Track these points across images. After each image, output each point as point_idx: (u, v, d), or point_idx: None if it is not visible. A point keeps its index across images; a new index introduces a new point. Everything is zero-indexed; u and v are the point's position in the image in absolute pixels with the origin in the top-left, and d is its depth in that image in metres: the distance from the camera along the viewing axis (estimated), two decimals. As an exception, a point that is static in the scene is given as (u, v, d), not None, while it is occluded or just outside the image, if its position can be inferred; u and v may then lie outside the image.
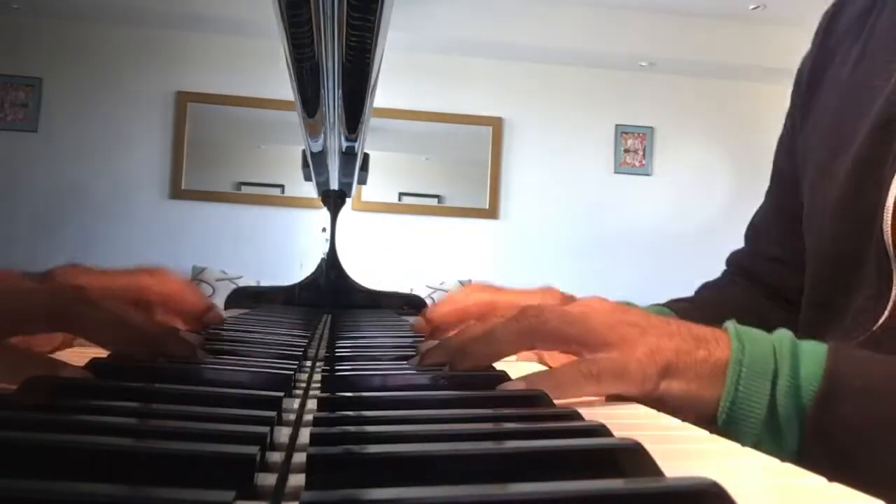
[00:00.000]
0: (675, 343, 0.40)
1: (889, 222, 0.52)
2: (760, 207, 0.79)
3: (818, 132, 0.64)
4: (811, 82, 0.68)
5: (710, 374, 0.39)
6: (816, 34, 0.70)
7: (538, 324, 0.41)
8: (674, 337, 0.40)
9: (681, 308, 0.67)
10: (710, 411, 0.39)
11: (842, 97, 0.62)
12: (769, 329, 0.42)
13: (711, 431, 0.33)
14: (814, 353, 0.39)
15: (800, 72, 0.72)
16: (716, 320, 0.43)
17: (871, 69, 0.59)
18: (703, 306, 0.72)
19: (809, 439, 0.37)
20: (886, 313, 0.53)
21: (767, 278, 0.75)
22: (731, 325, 0.41)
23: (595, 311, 0.42)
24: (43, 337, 0.46)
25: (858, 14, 0.65)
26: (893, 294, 0.52)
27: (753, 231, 0.79)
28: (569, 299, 0.60)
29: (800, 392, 0.38)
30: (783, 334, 0.41)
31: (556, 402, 0.35)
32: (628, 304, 0.47)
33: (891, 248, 0.52)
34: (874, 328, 0.53)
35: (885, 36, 0.59)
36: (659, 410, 0.40)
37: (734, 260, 0.81)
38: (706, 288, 0.79)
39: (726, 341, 0.40)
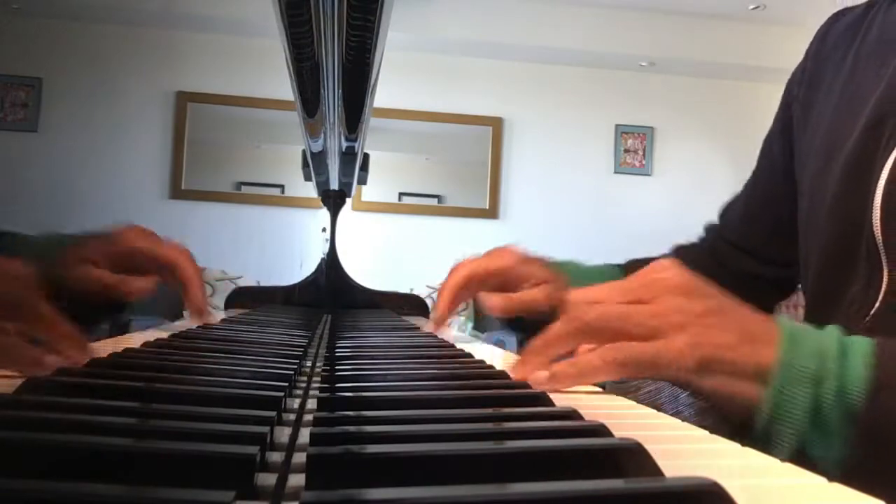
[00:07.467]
0: (719, 338, 0.40)
1: (878, 216, 0.55)
2: (737, 196, 0.85)
3: (816, 140, 0.67)
4: (807, 93, 0.72)
5: (751, 374, 0.39)
6: (809, 47, 0.74)
7: (581, 325, 0.43)
8: (721, 331, 0.40)
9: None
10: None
11: (837, 106, 0.65)
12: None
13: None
14: (861, 352, 0.39)
15: (791, 82, 0.76)
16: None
17: (863, 78, 0.63)
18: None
19: (860, 437, 0.38)
20: (878, 304, 0.55)
21: (720, 254, 0.84)
22: (785, 321, 0.42)
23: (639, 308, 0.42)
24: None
25: (847, 26, 0.69)
26: (884, 285, 0.55)
27: (722, 212, 0.86)
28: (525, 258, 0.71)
29: (846, 393, 0.38)
30: (833, 332, 0.41)
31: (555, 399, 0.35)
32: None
33: (880, 242, 0.55)
34: (867, 318, 0.55)
35: (874, 47, 0.64)
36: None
37: (706, 228, 0.89)
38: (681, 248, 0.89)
39: (774, 340, 0.40)
